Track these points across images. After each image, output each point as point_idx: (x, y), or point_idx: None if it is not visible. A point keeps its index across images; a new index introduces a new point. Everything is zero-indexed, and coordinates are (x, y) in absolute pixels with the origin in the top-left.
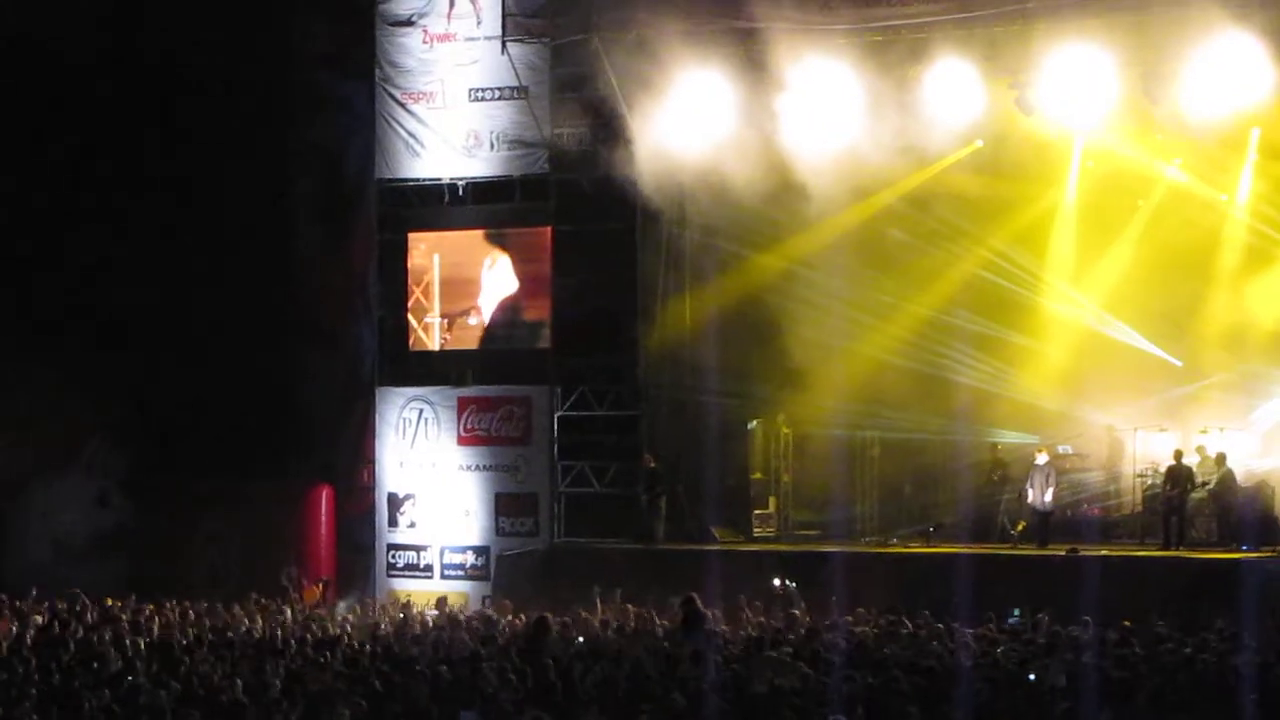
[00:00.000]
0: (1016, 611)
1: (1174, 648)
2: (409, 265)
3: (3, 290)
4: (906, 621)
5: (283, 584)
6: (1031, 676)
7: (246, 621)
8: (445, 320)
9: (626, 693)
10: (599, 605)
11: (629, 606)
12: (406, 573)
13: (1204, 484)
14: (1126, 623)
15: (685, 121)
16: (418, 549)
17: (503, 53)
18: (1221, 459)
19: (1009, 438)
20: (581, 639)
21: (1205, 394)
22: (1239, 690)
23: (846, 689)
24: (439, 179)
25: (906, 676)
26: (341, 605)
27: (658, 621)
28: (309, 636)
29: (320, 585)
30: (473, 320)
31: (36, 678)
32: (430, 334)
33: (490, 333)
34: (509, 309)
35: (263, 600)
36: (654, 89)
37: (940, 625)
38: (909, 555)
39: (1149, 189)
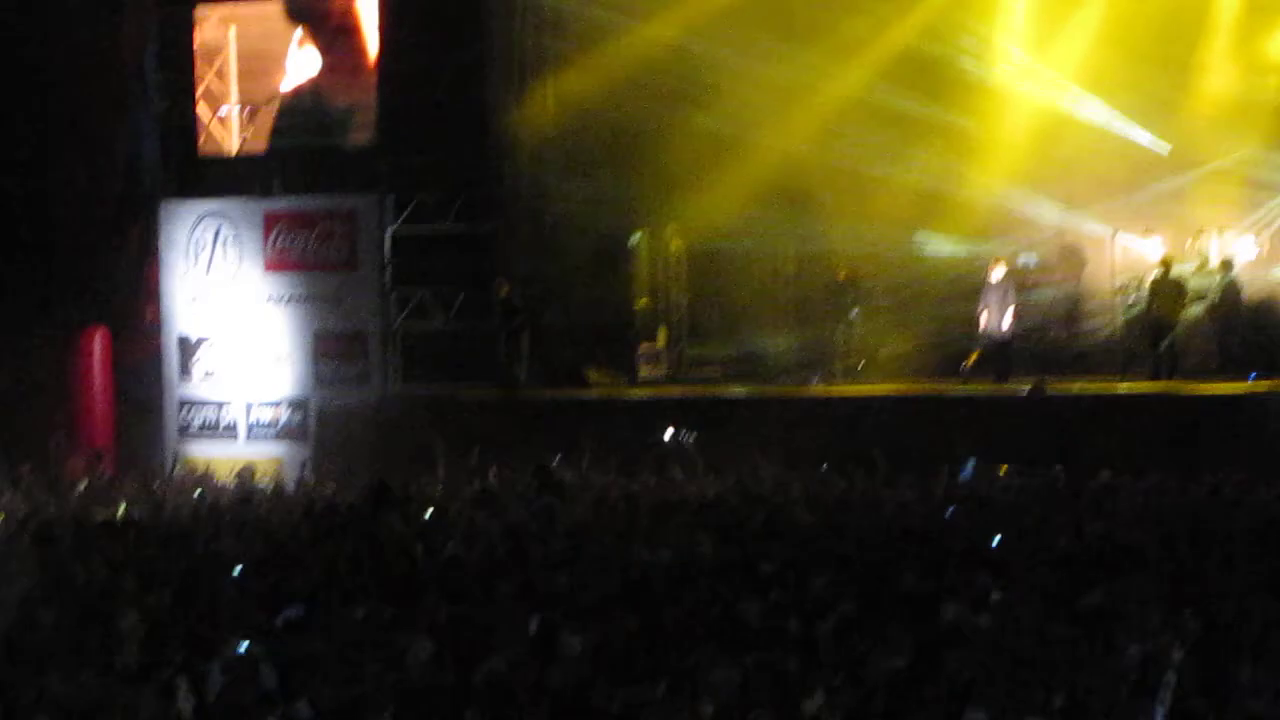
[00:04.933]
0: (971, 463)
1: (1173, 501)
2: (197, 43)
3: None
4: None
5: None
6: (996, 541)
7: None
8: (246, 112)
9: (479, 573)
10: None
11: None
12: (204, 434)
13: (1201, 298)
14: (1107, 472)
15: None
16: (217, 405)
17: None
18: (1226, 265)
19: (953, 248)
20: (430, 512)
21: (1200, 187)
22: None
23: (763, 564)
24: None
25: (832, 546)
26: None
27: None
28: (80, 520)
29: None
30: (281, 113)
31: None
32: (227, 130)
33: (301, 128)
34: (322, 96)
35: (21, 473)
36: None
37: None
38: (834, 398)
39: None
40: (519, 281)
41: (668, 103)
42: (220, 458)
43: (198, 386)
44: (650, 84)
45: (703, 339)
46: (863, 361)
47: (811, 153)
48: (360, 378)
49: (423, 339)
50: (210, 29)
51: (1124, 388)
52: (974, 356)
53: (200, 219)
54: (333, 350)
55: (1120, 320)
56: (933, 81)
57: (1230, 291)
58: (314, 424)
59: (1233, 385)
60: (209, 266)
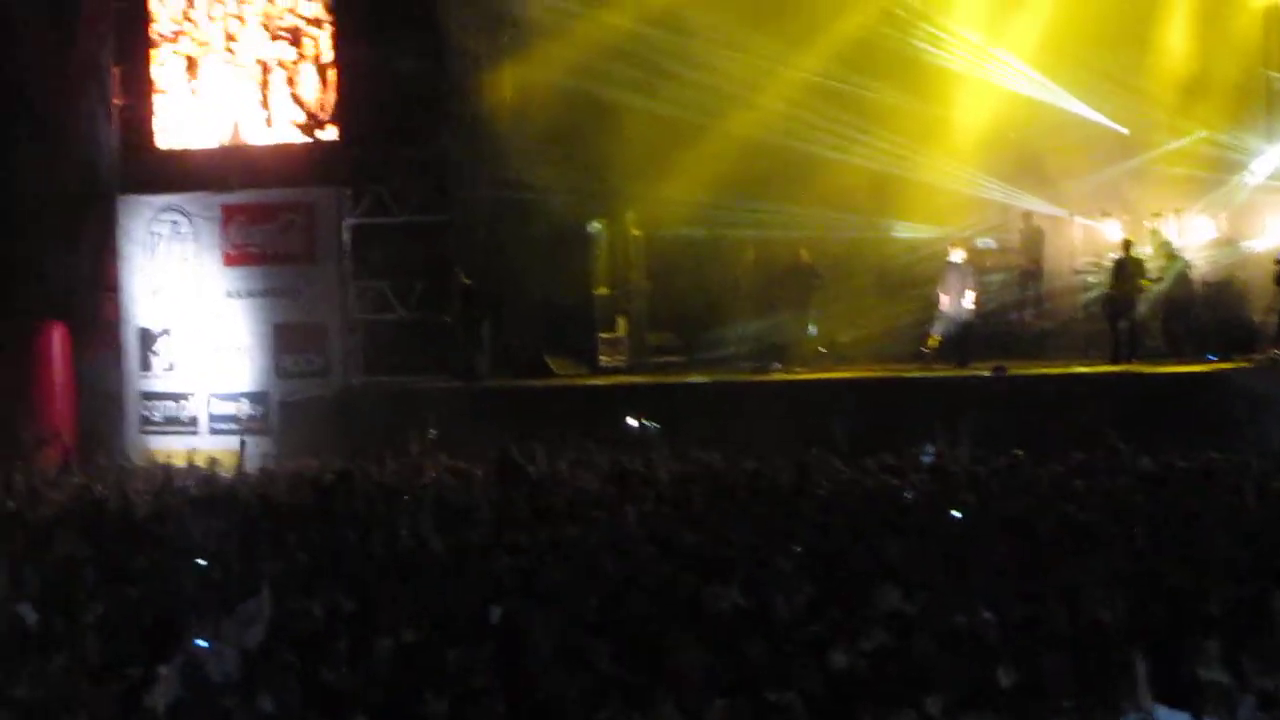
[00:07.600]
0: (929, 448)
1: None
2: (154, 35)
3: None
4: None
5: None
6: (956, 514)
7: None
8: (205, 105)
9: (440, 557)
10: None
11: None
12: (166, 428)
13: (1159, 280)
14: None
15: None
16: (178, 398)
17: None
18: (1173, 256)
19: (913, 232)
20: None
21: (1158, 168)
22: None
23: (726, 549)
24: None
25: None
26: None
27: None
28: (40, 509)
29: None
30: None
31: None
32: (185, 123)
33: (259, 122)
34: (280, 90)
35: None
36: None
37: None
38: (795, 383)
39: None
40: (478, 271)
41: (626, 90)
42: (183, 450)
43: (159, 379)
44: (608, 72)
45: (663, 326)
46: (823, 347)
47: (770, 139)
48: (321, 369)
49: (382, 330)
50: (167, 21)
51: (1084, 369)
52: (934, 340)
53: (158, 212)
54: (293, 342)
55: (1080, 302)
56: (890, 66)
57: (1182, 279)
58: (275, 416)
59: (1193, 366)
60: (168, 261)
